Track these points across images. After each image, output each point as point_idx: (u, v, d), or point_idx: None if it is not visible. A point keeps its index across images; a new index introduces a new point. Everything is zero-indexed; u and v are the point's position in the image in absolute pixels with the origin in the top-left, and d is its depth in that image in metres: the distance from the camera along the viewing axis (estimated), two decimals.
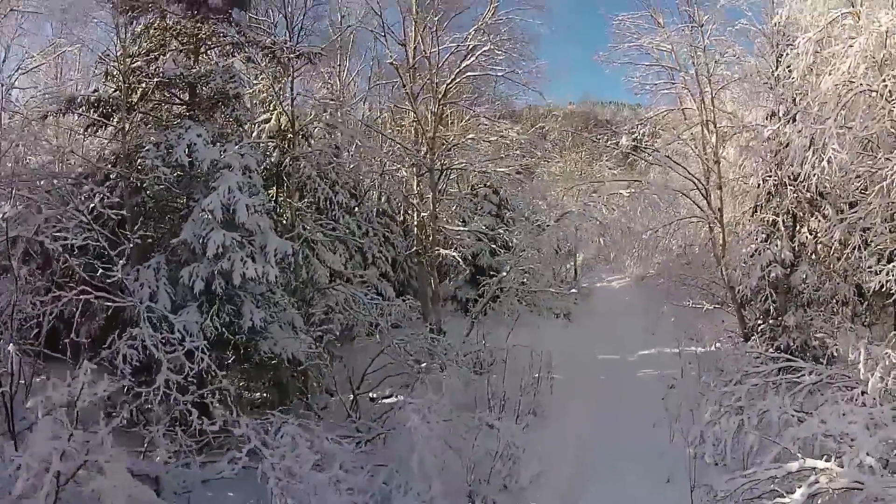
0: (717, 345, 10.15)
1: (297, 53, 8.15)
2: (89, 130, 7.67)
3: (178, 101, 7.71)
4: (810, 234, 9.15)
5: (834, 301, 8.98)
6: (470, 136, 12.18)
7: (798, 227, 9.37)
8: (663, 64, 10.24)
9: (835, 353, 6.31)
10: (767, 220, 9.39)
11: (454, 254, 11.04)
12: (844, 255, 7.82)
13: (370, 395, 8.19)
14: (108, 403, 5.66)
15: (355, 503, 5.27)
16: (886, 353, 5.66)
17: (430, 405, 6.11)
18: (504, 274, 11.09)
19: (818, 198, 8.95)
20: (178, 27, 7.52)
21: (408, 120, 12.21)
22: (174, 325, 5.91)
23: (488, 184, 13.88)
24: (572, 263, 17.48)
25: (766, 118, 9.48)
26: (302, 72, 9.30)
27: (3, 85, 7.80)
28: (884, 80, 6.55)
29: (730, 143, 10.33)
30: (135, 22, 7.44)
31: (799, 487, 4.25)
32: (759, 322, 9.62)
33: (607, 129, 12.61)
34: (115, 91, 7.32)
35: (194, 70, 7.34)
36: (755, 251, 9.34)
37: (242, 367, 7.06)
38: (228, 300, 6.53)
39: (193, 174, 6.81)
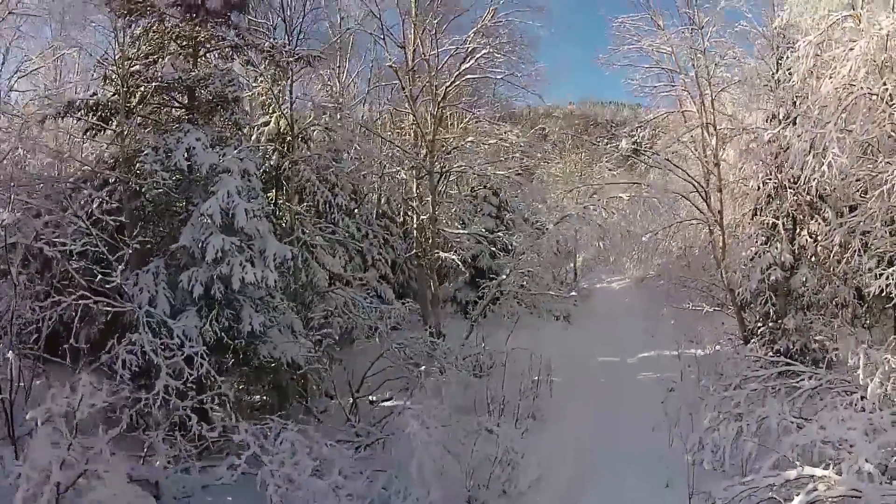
0: (717, 347, 10.15)
1: (296, 57, 8.14)
2: (88, 134, 7.66)
3: (177, 104, 7.69)
4: (810, 237, 9.15)
5: (834, 304, 8.97)
6: (469, 138, 12.17)
7: (798, 230, 9.36)
8: (663, 66, 10.26)
9: (834, 359, 6.30)
10: (767, 223, 9.38)
11: (454, 257, 11.03)
12: (844, 259, 7.80)
13: (370, 398, 8.20)
14: (107, 409, 5.70)
15: None
16: (886, 359, 5.65)
17: (429, 410, 6.11)
18: (504, 277, 11.09)
19: (818, 201, 8.94)
20: (177, 30, 7.50)
21: (407, 122, 12.19)
22: (173, 331, 5.91)
23: (488, 185, 13.88)
24: (572, 265, 17.47)
25: (766, 121, 9.46)
26: (301, 74, 9.28)
27: (0, 88, 7.79)
28: (884, 84, 6.53)
29: (730, 145, 10.32)
30: (133, 25, 7.42)
31: (797, 495, 4.24)
32: (759, 325, 9.62)
33: (607, 131, 12.59)
34: (114, 95, 7.30)
35: (193, 73, 7.32)
36: (755, 254, 9.34)
37: (242, 370, 7.06)
38: (228, 304, 6.53)
39: (192, 178, 6.81)
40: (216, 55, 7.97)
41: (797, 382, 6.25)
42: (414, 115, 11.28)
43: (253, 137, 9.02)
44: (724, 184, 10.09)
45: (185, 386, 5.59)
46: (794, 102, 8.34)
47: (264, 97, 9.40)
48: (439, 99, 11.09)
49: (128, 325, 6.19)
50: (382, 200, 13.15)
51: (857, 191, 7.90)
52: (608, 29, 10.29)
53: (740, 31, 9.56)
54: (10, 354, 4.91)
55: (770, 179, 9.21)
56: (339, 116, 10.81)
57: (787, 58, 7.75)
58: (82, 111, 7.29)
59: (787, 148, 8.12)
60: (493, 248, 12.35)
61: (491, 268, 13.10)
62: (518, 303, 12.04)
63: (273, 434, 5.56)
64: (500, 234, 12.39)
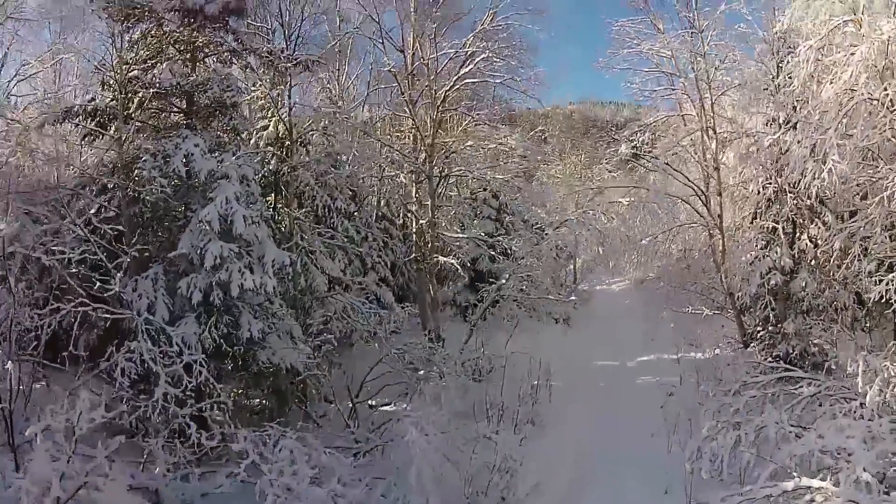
0: (717, 351, 10.15)
1: (295, 62, 8.12)
2: (86, 140, 7.65)
3: (175, 109, 7.68)
4: (810, 241, 9.14)
5: (833, 309, 8.96)
6: (469, 143, 12.15)
7: (798, 234, 9.35)
8: (663, 70, 10.22)
9: (833, 366, 6.29)
10: (767, 227, 9.37)
11: (453, 261, 11.02)
12: (844, 264, 7.79)
13: (369, 402, 8.21)
14: (107, 415, 5.70)
15: None
16: (885, 366, 5.64)
17: (428, 417, 6.12)
18: (503, 281, 11.08)
19: (818, 205, 8.92)
20: (175, 35, 7.48)
21: (406, 126, 12.17)
22: (172, 338, 5.91)
23: (487, 188, 13.86)
24: (572, 266, 17.46)
25: (766, 124, 9.44)
26: (300, 79, 9.26)
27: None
28: (885, 89, 6.50)
29: (730, 148, 10.29)
30: (131, 30, 7.40)
31: None
32: (759, 329, 9.62)
33: (607, 133, 12.54)
34: (112, 100, 7.29)
35: (192, 78, 7.31)
36: (755, 258, 9.33)
37: (240, 374, 7.07)
38: (226, 311, 6.53)
39: (191, 184, 6.80)
40: (215, 60, 7.95)
41: (796, 389, 6.25)
42: (413, 120, 11.26)
43: (252, 142, 9.00)
44: (724, 187, 10.07)
45: (184, 394, 5.61)
46: (795, 107, 8.31)
47: (263, 101, 9.38)
48: (438, 103, 11.07)
49: (127, 330, 6.20)
50: (382, 203, 13.13)
51: (857, 195, 7.88)
52: (608, 32, 10.27)
53: (740, 34, 9.55)
54: (9, 365, 4.90)
55: (770, 184, 9.19)
56: (338, 118, 10.79)
57: (788, 62, 7.73)
58: (80, 117, 7.28)
59: (787, 152, 8.10)
60: (493, 252, 12.34)
61: (490, 271, 13.09)
62: (518, 306, 12.04)
63: (272, 441, 5.57)
64: (499, 238, 12.36)
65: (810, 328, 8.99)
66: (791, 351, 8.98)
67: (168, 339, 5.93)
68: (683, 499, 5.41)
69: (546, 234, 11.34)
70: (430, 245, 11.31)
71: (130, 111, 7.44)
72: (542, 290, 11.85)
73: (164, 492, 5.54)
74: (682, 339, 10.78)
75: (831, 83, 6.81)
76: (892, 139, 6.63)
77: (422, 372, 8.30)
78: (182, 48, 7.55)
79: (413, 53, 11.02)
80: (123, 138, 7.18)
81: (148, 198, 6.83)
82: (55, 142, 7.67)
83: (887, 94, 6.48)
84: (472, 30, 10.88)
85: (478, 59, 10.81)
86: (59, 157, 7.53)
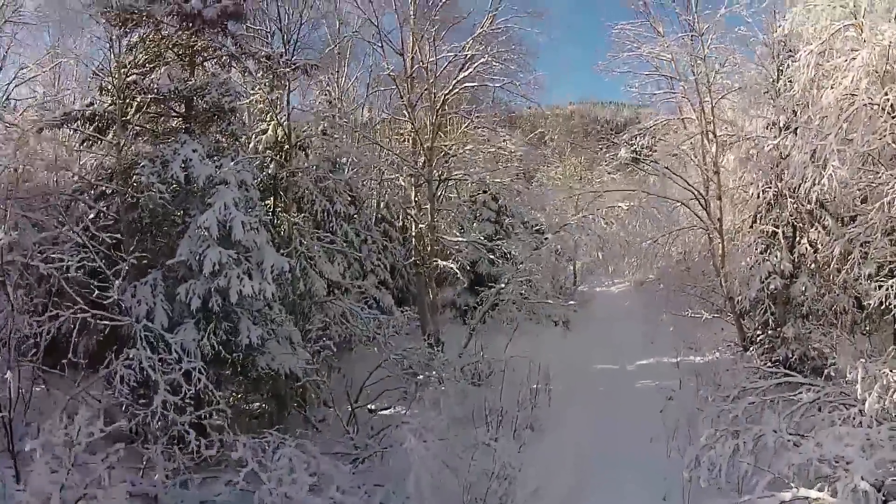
0: (716, 355, 10.14)
1: (293, 66, 8.10)
2: (84, 145, 7.64)
3: (174, 113, 7.67)
4: (810, 245, 9.12)
5: (833, 313, 8.95)
6: (468, 146, 12.13)
7: (798, 238, 9.33)
8: (663, 73, 10.18)
9: (832, 374, 6.29)
10: (767, 231, 9.35)
11: (452, 266, 11.01)
12: (845, 269, 7.77)
13: (368, 406, 8.22)
14: (106, 416, 5.71)
15: None
16: (884, 372, 5.64)
17: (427, 423, 6.12)
18: (503, 285, 11.08)
19: (818, 209, 8.89)
20: (174, 39, 7.46)
21: (406, 129, 12.14)
22: (171, 345, 5.91)
23: (487, 191, 13.84)
24: (571, 268, 17.44)
25: (767, 128, 9.41)
26: (299, 82, 9.23)
27: None
28: (886, 94, 6.48)
29: (730, 151, 10.26)
30: (129, 35, 7.38)
31: None
32: (759, 333, 9.61)
33: (607, 137, 12.51)
34: (110, 105, 7.27)
35: (190, 83, 7.29)
36: (754, 262, 9.31)
37: (239, 379, 7.08)
38: (225, 317, 6.53)
39: (189, 189, 6.79)
40: (213, 63, 7.93)
41: (795, 395, 6.25)
42: (412, 123, 11.23)
43: (251, 146, 8.98)
44: (724, 190, 10.05)
45: (183, 401, 5.61)
46: (795, 111, 8.28)
47: (262, 104, 9.36)
48: (438, 106, 11.03)
49: (126, 336, 6.20)
50: (381, 205, 13.11)
51: (858, 198, 7.84)
52: (608, 35, 10.24)
53: (740, 37, 9.50)
54: (7, 375, 4.90)
55: (770, 187, 9.17)
56: (337, 121, 10.77)
57: (788, 66, 7.70)
58: (79, 121, 7.27)
59: (788, 157, 8.08)
60: (493, 256, 12.33)
61: (490, 274, 13.08)
62: (517, 309, 12.04)
63: (271, 448, 5.58)
64: (499, 242, 12.34)
65: (810, 332, 8.98)
66: (791, 355, 8.97)
67: (167, 346, 5.92)
68: None
69: (546, 238, 11.29)
70: (429, 249, 11.30)
71: (129, 116, 7.42)
72: (541, 295, 11.84)
73: (164, 499, 5.54)
74: (681, 342, 10.76)
75: (832, 88, 6.78)
76: (893, 144, 6.61)
77: (421, 377, 8.29)
78: (180, 52, 7.53)
79: (412, 57, 10.99)
80: (122, 143, 7.16)
81: (147, 204, 6.82)
82: (54, 147, 7.66)
83: (888, 99, 6.46)
84: (472, 33, 10.86)
85: (477, 63, 10.77)
86: (57, 163, 7.51)
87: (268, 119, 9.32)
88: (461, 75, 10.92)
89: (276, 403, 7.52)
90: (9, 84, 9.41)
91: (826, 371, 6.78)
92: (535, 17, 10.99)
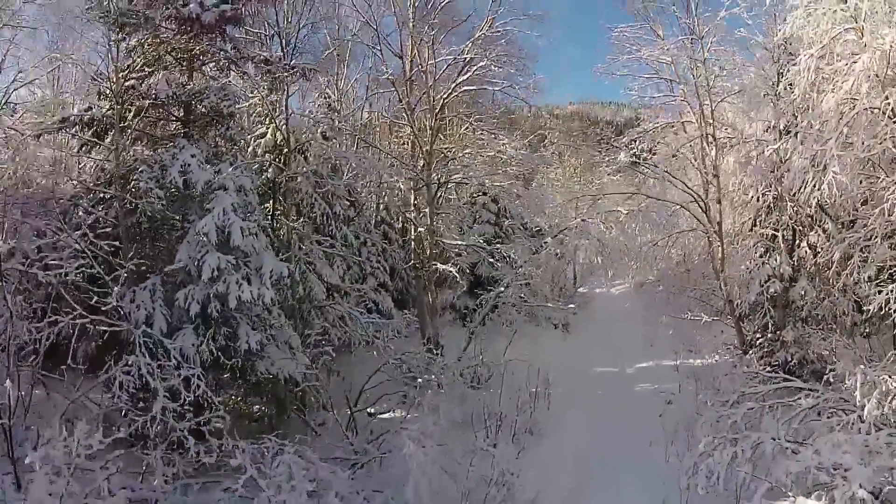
0: (716, 358, 10.13)
1: (292, 70, 8.08)
2: (83, 150, 7.64)
3: (173, 117, 7.66)
4: (810, 248, 9.11)
5: (832, 317, 8.94)
6: (467, 150, 12.11)
7: (797, 242, 9.31)
8: (663, 76, 10.15)
9: (831, 380, 6.28)
10: (767, 234, 9.34)
11: (451, 269, 11.01)
12: (844, 275, 7.76)
13: (368, 410, 8.23)
14: (106, 420, 5.73)
15: None
16: (883, 378, 5.63)
17: (426, 428, 6.12)
18: (502, 289, 11.08)
19: (818, 212, 8.87)
20: (173, 43, 7.45)
21: (405, 132, 12.12)
22: (170, 351, 5.92)
23: (487, 193, 13.82)
24: (571, 271, 17.42)
25: (766, 131, 9.38)
26: (298, 85, 9.22)
27: None
28: (886, 98, 6.45)
29: (730, 154, 10.24)
30: (128, 39, 7.37)
31: None
32: (758, 336, 9.61)
33: (607, 140, 12.48)
34: (109, 110, 7.27)
35: (189, 87, 7.28)
36: (754, 265, 9.30)
37: (238, 383, 7.09)
38: (224, 322, 6.53)
39: (188, 194, 6.79)
40: (212, 67, 7.93)
41: (794, 400, 6.24)
42: (412, 126, 11.21)
43: (250, 149, 8.97)
44: (724, 193, 10.03)
45: (182, 407, 5.62)
46: (795, 115, 8.25)
47: (261, 107, 9.35)
48: (437, 109, 11.01)
49: (126, 340, 6.21)
50: (381, 207, 13.10)
51: (858, 200, 7.81)
52: (607, 38, 10.21)
53: (740, 39, 9.46)
54: (7, 384, 4.91)
55: (769, 191, 9.15)
56: (336, 124, 10.74)
57: (789, 70, 7.67)
58: (77, 126, 7.27)
59: (787, 160, 8.05)
60: (492, 259, 12.33)
61: (490, 277, 13.09)
62: (517, 311, 12.04)
63: (270, 454, 5.59)
64: (498, 245, 12.34)
65: (809, 336, 8.97)
66: (790, 359, 8.97)
67: (166, 351, 5.93)
68: None
69: (545, 241, 11.28)
70: (428, 252, 11.29)
71: (127, 121, 7.42)
72: (540, 298, 11.83)
73: None
74: (680, 344, 10.75)
75: (832, 92, 6.76)
76: (893, 148, 6.58)
77: (420, 380, 8.30)
78: (179, 56, 7.52)
79: (411, 60, 10.96)
80: (120, 148, 7.16)
81: (145, 209, 6.82)
82: (53, 151, 7.66)
83: (888, 103, 6.43)
84: (471, 36, 10.81)
85: (476, 67, 10.74)
86: (56, 168, 7.51)
87: (266, 123, 9.31)
88: (460, 78, 10.89)
89: (276, 407, 7.54)
90: (8, 87, 9.40)
91: (826, 376, 6.79)
92: (535, 19, 10.98)
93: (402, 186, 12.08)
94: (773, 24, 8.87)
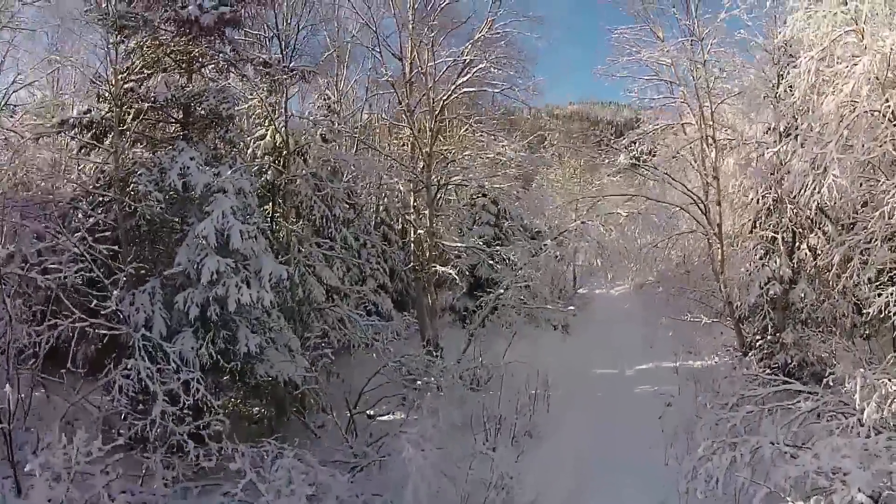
0: (715, 359, 10.13)
1: (291, 72, 8.07)
2: (82, 152, 7.63)
3: (172, 120, 7.66)
4: (810, 250, 9.09)
5: (832, 319, 8.93)
6: (467, 152, 12.10)
7: (797, 244, 9.30)
8: (663, 77, 10.13)
9: (831, 383, 6.28)
10: (767, 237, 9.32)
11: (451, 271, 11.00)
12: (844, 277, 7.74)
13: (367, 412, 8.23)
14: (105, 429, 5.74)
15: None
16: (883, 382, 5.63)
17: (425, 431, 6.12)
18: (502, 291, 11.08)
19: (818, 214, 8.85)
20: (172, 45, 7.44)
21: (405, 134, 12.11)
22: (170, 355, 5.92)
23: (487, 195, 13.82)
24: (571, 272, 17.41)
25: (766, 133, 9.36)
26: (298, 87, 9.21)
27: None
28: (887, 101, 6.44)
29: (730, 156, 10.22)
30: (127, 41, 7.36)
31: None
32: (758, 338, 9.60)
33: (606, 142, 12.47)
34: (108, 112, 7.26)
35: (188, 89, 7.28)
36: (754, 267, 9.29)
37: (238, 385, 7.09)
38: (224, 326, 6.54)
39: (187, 197, 6.79)
40: (211, 70, 7.91)
41: (794, 403, 6.24)
42: (411, 128, 11.20)
43: (249, 151, 8.97)
44: (724, 195, 10.00)
45: (181, 411, 5.62)
46: (795, 117, 8.23)
47: (260, 109, 9.34)
48: (437, 111, 10.99)
49: (125, 344, 6.21)
50: (381, 209, 13.09)
51: (858, 202, 7.80)
52: (607, 39, 10.18)
53: (740, 41, 9.42)
54: (7, 389, 4.92)
55: (769, 193, 9.14)
56: (336, 126, 10.73)
57: (789, 73, 7.65)
58: (76, 129, 7.26)
59: (787, 163, 8.03)
60: (491, 262, 12.33)
61: (490, 278, 13.10)
62: (516, 313, 12.04)
63: (270, 457, 5.59)
64: (498, 247, 12.34)
65: (809, 338, 8.96)
66: (790, 361, 8.96)
67: (165, 355, 5.93)
68: None
69: (545, 244, 11.28)
70: (428, 254, 11.29)
71: (126, 123, 7.41)
72: (540, 300, 11.83)
73: None
74: (680, 346, 10.75)
75: (833, 95, 6.74)
76: (894, 151, 6.57)
77: (420, 383, 8.30)
78: (178, 59, 7.51)
79: (411, 62, 10.94)
80: (119, 151, 7.15)
81: (144, 212, 6.82)
82: (52, 154, 7.65)
83: (889, 106, 6.42)
84: (471, 38, 10.78)
85: (476, 69, 10.72)
86: (55, 170, 7.51)
87: (266, 125, 9.30)
88: (460, 80, 10.87)
89: (276, 410, 7.55)
90: (7, 88, 9.38)
91: (825, 379, 6.79)
92: (535, 21, 10.94)
93: (401, 188, 12.07)
94: (773, 25, 8.85)
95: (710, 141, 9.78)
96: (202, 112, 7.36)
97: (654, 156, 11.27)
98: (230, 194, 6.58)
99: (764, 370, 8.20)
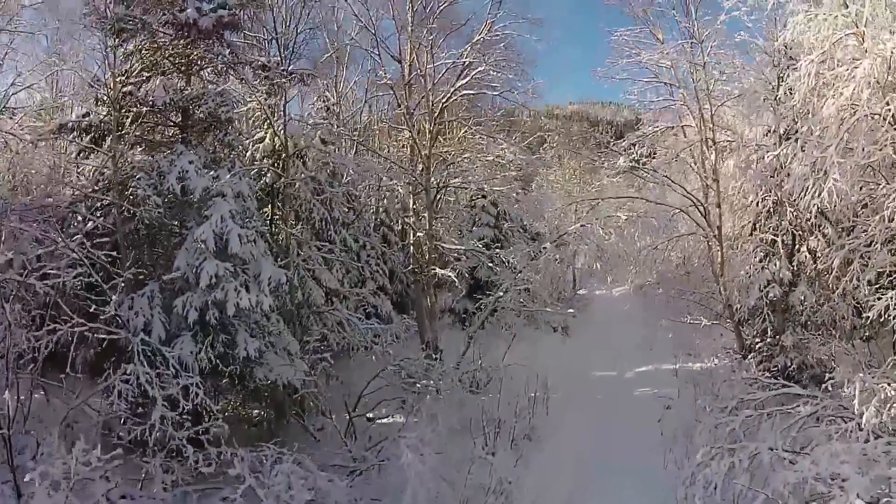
0: (715, 362, 10.13)
1: (290, 75, 8.06)
2: (80, 156, 7.62)
3: (171, 123, 7.65)
4: (810, 253, 9.08)
5: (832, 322, 8.92)
6: (466, 155, 12.08)
7: (797, 247, 9.29)
8: (662, 80, 10.11)
9: (830, 387, 6.28)
10: (766, 239, 9.31)
11: (450, 274, 11.00)
12: (844, 280, 7.74)
13: (367, 415, 8.24)
14: (104, 434, 5.74)
15: None
16: (882, 386, 5.62)
17: (424, 436, 6.12)
18: (501, 293, 11.09)
19: (818, 216, 8.84)
20: (170, 48, 7.43)
21: (404, 136, 12.09)
22: (169, 360, 5.92)
23: (486, 196, 13.81)
24: (571, 274, 17.40)
25: (766, 135, 9.35)
26: (297, 89, 9.20)
27: None
28: (887, 104, 6.42)
29: (729, 157, 10.21)
30: (125, 44, 7.35)
31: None
32: (757, 341, 9.59)
33: (606, 144, 12.45)
34: (106, 115, 7.25)
35: (186, 92, 7.26)
36: (754, 270, 9.28)
37: (237, 389, 7.10)
38: (223, 330, 6.53)
39: (186, 200, 6.78)
40: (210, 72, 7.90)
41: (793, 407, 6.23)
42: (410, 130, 11.18)
43: (248, 154, 8.95)
44: (724, 197, 10.00)
45: (180, 416, 5.62)
46: (795, 120, 8.21)
47: (259, 111, 9.33)
48: (436, 114, 10.98)
49: (124, 348, 6.21)
50: (380, 211, 13.08)
51: (858, 204, 7.79)
52: (607, 41, 10.17)
53: (740, 43, 9.39)
54: (6, 395, 4.92)
55: (769, 195, 9.13)
56: (335, 128, 10.71)
57: (789, 76, 7.63)
58: (75, 132, 7.25)
59: (787, 165, 8.02)
60: (490, 265, 12.33)
61: (489, 280, 13.10)
62: (516, 315, 12.04)
63: (269, 462, 5.59)
64: (497, 249, 12.34)
65: (808, 341, 8.96)
66: (789, 363, 8.96)
67: (164, 359, 5.93)
68: None
69: (545, 246, 11.28)
70: (427, 256, 11.28)
71: (125, 127, 7.40)
72: (540, 302, 11.83)
73: None
74: (680, 348, 10.75)
75: (833, 98, 6.72)
76: (894, 154, 6.55)
77: (419, 386, 8.30)
78: (176, 62, 7.49)
79: (410, 64, 10.92)
80: (118, 154, 7.14)
81: (143, 216, 6.81)
82: (51, 157, 7.64)
83: (889, 109, 6.40)
84: (470, 40, 10.78)
85: (475, 71, 10.70)
86: (54, 173, 7.50)
87: (265, 128, 9.29)
88: (459, 82, 10.85)
89: (275, 413, 7.55)
90: (6, 90, 9.37)
91: (825, 383, 6.78)
92: (534, 23, 10.91)
93: (401, 190, 12.06)
94: (773, 28, 8.83)
95: (710, 143, 9.77)
96: (201, 115, 7.34)
97: (653, 158, 11.25)
98: (229, 198, 6.57)
99: (763, 373, 8.21)
